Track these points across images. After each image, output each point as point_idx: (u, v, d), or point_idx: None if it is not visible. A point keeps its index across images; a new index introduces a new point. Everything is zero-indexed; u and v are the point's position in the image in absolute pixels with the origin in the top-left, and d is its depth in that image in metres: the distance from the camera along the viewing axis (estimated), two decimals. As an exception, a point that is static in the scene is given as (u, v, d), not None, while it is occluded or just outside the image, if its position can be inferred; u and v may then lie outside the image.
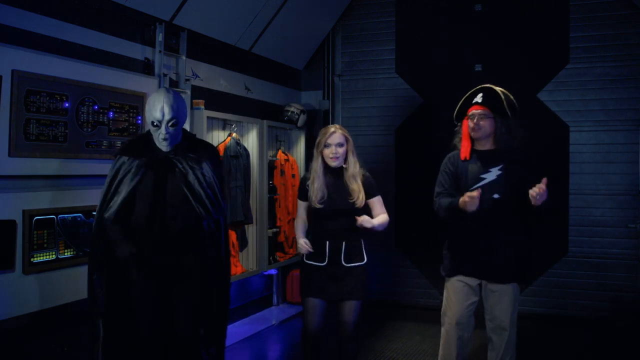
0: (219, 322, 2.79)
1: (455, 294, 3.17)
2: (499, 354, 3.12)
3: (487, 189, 3.01)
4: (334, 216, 3.14)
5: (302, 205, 3.30)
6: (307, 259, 3.20)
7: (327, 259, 3.15)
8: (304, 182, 3.28)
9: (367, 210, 3.22)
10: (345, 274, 3.15)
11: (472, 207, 2.87)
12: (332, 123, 6.08)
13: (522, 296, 5.40)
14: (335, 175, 3.18)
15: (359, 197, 3.13)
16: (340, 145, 3.12)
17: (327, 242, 3.15)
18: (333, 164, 3.15)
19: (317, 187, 3.14)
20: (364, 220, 3.05)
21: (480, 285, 3.15)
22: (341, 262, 3.14)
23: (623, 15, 5.15)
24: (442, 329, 3.26)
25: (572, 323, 5.21)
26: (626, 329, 5.01)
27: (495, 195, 3.02)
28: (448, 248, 3.24)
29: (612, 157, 5.24)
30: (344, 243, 3.14)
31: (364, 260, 3.20)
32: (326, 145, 3.13)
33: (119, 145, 3.54)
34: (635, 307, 5.08)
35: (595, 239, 5.27)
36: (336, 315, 3.22)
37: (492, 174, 3.05)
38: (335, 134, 3.13)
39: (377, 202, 3.24)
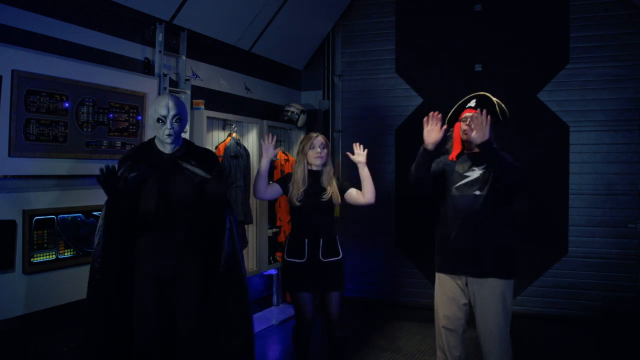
0: (238, 313, 2.80)
1: (445, 293, 3.20)
2: None
3: (469, 185, 3.11)
4: (312, 214, 3.41)
5: (274, 186, 3.48)
6: (287, 257, 3.42)
7: (306, 255, 3.37)
8: (290, 176, 3.48)
9: (343, 206, 3.60)
10: (323, 268, 3.38)
11: (430, 136, 2.99)
12: (332, 123, 6.13)
13: (522, 296, 5.42)
14: (314, 177, 3.47)
15: (334, 196, 3.43)
16: (323, 147, 3.46)
17: (306, 240, 3.38)
18: (317, 162, 3.44)
19: (300, 187, 3.41)
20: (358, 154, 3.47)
21: (466, 284, 3.15)
22: (319, 257, 3.37)
23: (623, 15, 5.15)
24: (435, 329, 3.26)
25: (572, 323, 5.21)
26: (626, 329, 5.01)
27: (477, 192, 3.09)
28: (435, 244, 3.31)
29: (612, 157, 5.23)
30: (321, 240, 3.39)
31: (339, 255, 3.44)
32: (311, 147, 3.44)
33: (118, 145, 3.56)
34: (635, 307, 5.07)
35: (595, 239, 5.27)
36: (321, 307, 3.46)
37: (476, 172, 3.14)
38: (318, 137, 3.48)
39: (354, 188, 3.50)
